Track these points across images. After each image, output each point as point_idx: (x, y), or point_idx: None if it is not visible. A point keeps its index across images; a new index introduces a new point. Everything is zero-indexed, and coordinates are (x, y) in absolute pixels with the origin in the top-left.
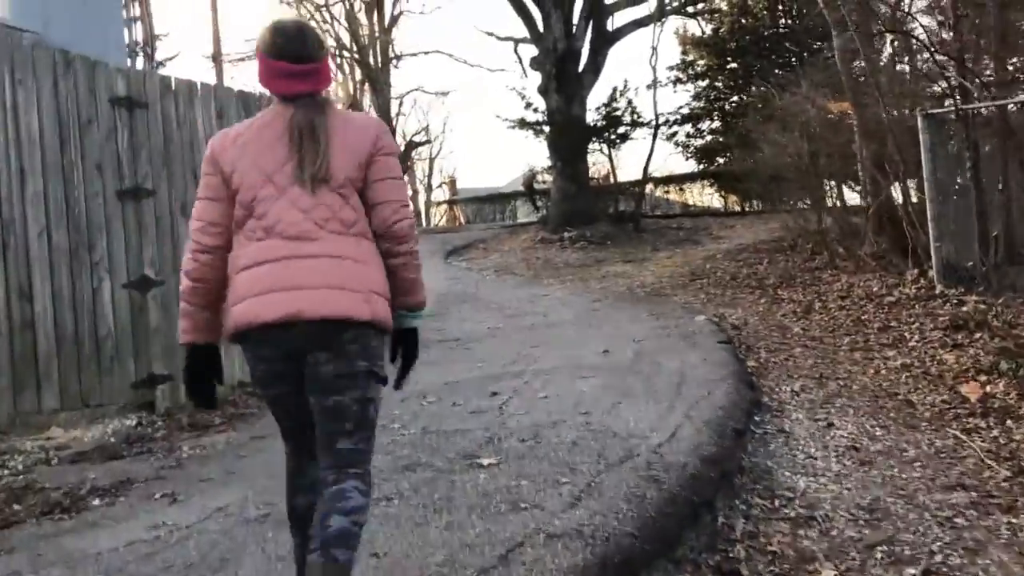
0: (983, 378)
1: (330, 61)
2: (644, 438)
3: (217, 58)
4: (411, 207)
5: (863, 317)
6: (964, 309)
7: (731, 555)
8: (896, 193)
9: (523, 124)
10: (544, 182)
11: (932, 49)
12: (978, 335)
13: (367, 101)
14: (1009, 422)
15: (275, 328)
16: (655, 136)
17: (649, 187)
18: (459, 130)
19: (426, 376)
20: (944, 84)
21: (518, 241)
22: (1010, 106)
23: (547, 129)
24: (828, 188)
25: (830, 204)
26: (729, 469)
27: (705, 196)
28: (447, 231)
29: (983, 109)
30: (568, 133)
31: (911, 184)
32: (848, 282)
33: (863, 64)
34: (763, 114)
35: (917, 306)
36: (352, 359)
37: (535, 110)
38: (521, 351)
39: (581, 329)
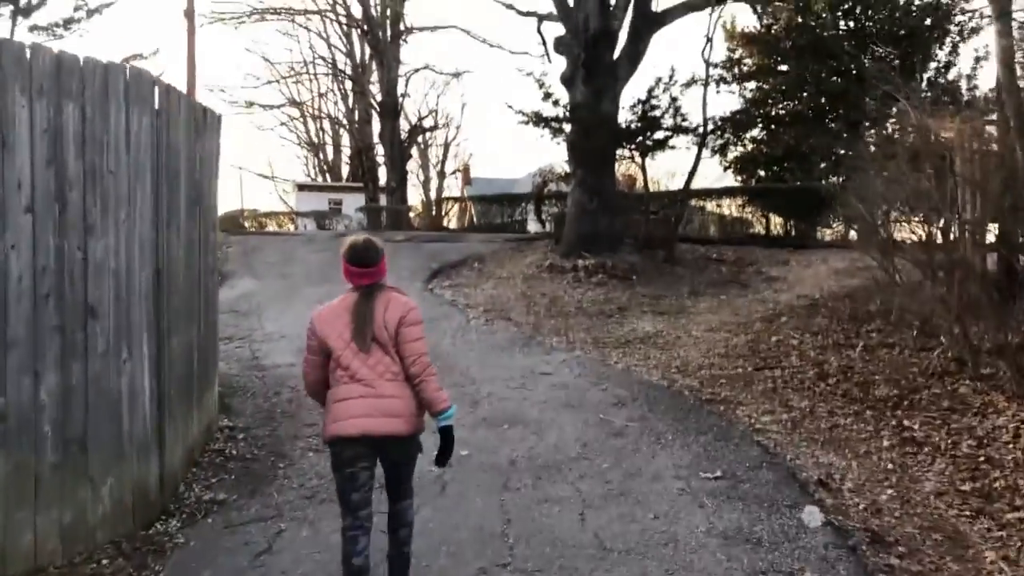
0: None
1: (384, 261)
2: None
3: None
4: (427, 355)
5: None
6: None
7: None
8: None
9: (539, 120)
10: (555, 193)
11: None
12: None
13: (374, 78)
14: None
15: (357, 438)
16: (702, 145)
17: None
18: (478, 114)
19: None
20: None
21: (523, 263)
22: None
23: (568, 128)
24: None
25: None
26: None
27: (743, 212)
28: (441, 239)
29: None
30: (594, 134)
31: None
32: (1019, 417)
33: None
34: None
35: None
36: (406, 449)
37: (555, 103)
38: (475, 563)
39: (595, 500)
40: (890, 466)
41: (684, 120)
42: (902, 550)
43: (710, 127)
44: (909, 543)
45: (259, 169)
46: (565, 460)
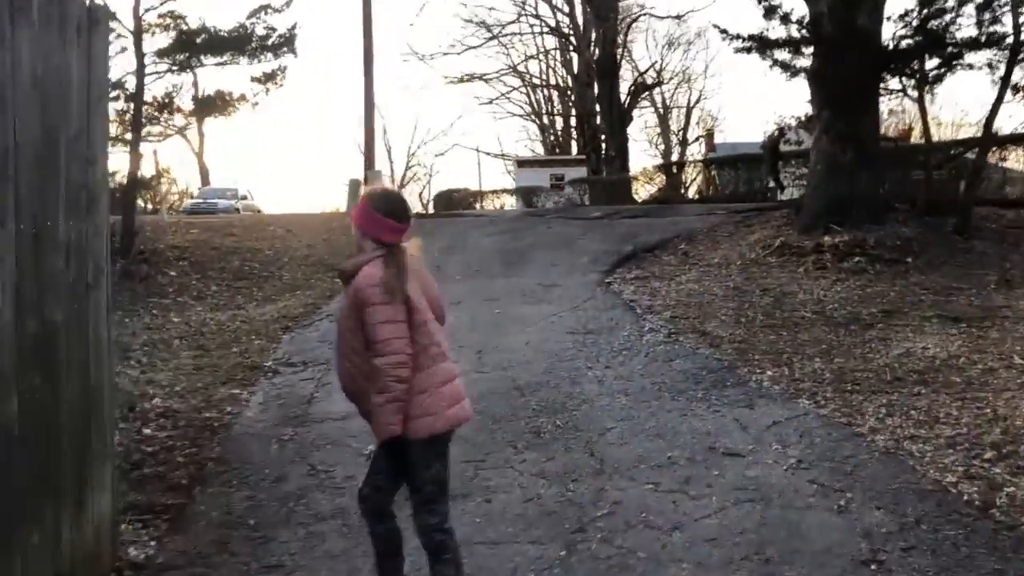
0: None
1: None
2: None
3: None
4: None
5: None
6: None
7: None
8: None
9: (763, 45)
10: (798, 143)
11: None
12: None
13: (592, 37)
14: None
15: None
16: (1012, 63)
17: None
18: (726, 75)
19: None
20: None
21: (744, 243)
22: None
23: (808, 53)
24: None
25: None
26: None
27: None
28: (646, 213)
29: None
30: (847, 58)
31: None
32: None
33: None
34: None
35: None
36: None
37: (785, 18)
38: None
39: None
40: None
41: (996, 22)
42: None
43: None
44: None
45: (490, 147)
46: None
